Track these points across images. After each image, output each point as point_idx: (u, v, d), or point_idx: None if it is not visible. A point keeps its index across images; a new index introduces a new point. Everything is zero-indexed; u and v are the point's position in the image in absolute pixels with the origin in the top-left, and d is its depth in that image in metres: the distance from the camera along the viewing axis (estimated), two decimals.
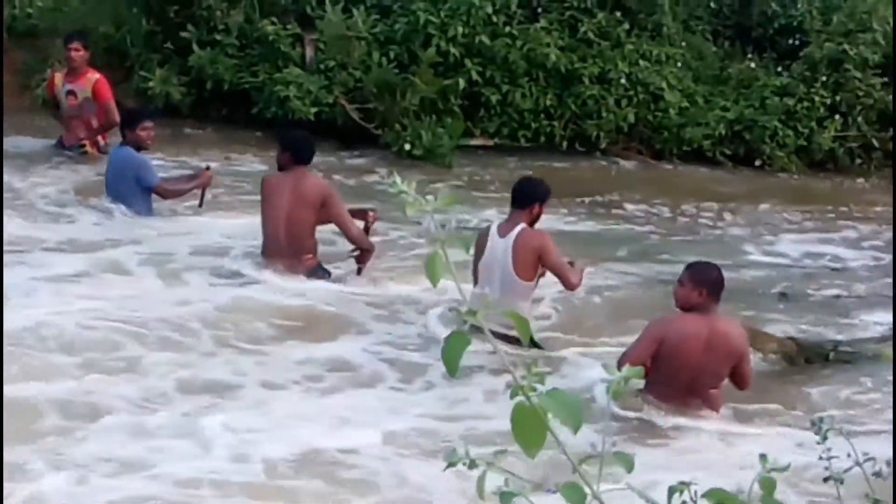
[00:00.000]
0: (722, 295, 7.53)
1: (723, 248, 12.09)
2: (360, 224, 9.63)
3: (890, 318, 9.23)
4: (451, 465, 2.09)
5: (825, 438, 2.60)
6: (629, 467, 2.10)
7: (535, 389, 1.92)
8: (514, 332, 8.29)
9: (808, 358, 8.83)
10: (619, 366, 7.32)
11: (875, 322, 9.68)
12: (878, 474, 2.38)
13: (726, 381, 7.60)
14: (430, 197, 2.03)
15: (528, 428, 1.90)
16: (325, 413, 7.36)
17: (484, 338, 2.08)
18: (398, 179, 2.05)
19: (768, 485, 2.05)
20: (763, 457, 2.17)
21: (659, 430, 7.36)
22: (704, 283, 7.45)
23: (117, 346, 7.91)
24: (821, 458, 2.57)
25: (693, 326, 7.40)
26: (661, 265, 11.22)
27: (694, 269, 7.61)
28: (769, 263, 11.97)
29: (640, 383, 7.41)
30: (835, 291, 10.80)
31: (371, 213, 9.77)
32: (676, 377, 7.37)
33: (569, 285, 8.55)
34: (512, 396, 1.93)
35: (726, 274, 7.77)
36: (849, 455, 2.51)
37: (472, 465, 2.09)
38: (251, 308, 8.79)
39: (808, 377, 8.60)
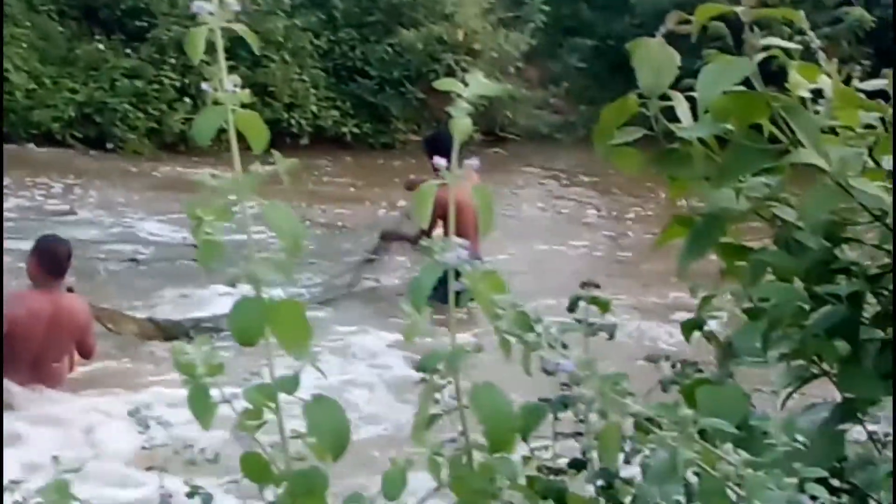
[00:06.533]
0: (66, 269, 7.33)
1: (75, 227, 11.86)
2: None
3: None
4: None
5: (146, 427, 2.53)
6: None
7: None
8: None
9: (169, 337, 8.81)
10: None
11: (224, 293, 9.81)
12: (192, 462, 2.32)
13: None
14: None
15: None
16: None
17: None
18: None
19: (61, 487, 1.90)
20: (55, 458, 2.02)
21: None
22: (36, 256, 7.25)
23: None
24: (143, 447, 2.51)
25: (38, 303, 7.19)
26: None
27: (40, 243, 7.37)
28: (123, 240, 11.88)
29: None
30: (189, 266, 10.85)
31: None
32: (22, 356, 7.11)
33: None
34: None
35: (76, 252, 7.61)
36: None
37: None
38: None
39: (163, 356, 8.54)
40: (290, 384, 1.44)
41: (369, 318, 9.15)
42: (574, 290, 2.28)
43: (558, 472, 2.06)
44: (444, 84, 1.54)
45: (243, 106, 1.52)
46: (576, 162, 17.36)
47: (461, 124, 1.51)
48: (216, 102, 1.49)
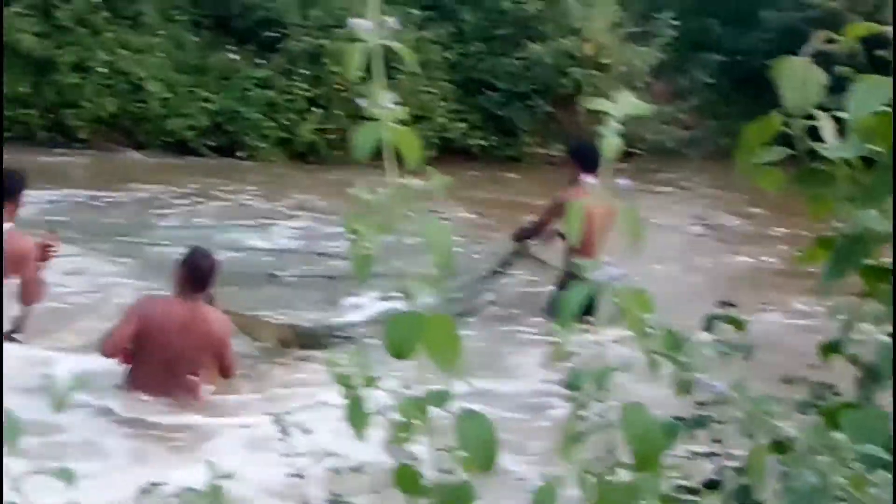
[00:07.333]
0: (210, 284, 7.42)
1: (212, 234, 12.09)
2: None
3: (376, 298, 9.52)
4: None
5: (287, 435, 2.56)
6: (70, 481, 1.91)
7: None
8: None
9: (305, 344, 8.86)
10: (102, 345, 7.17)
11: (360, 304, 9.88)
12: (336, 471, 2.36)
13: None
14: None
15: None
16: None
17: None
18: None
19: (216, 491, 1.94)
20: (210, 463, 2.06)
21: (131, 426, 7.14)
22: (183, 268, 7.38)
23: None
24: (284, 455, 2.53)
25: (174, 308, 7.30)
26: (158, 249, 11.08)
27: (187, 255, 7.52)
28: (260, 249, 12.06)
29: (116, 376, 7.24)
30: (322, 274, 10.96)
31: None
32: (154, 358, 7.22)
33: (33, 298, 8.12)
34: None
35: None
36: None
37: None
38: None
39: (301, 365, 8.59)
40: (441, 398, 1.46)
41: (503, 330, 9.13)
42: (709, 308, 2.27)
43: (693, 491, 2.06)
44: (594, 104, 1.55)
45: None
46: (704, 177, 17.22)
47: (611, 143, 1.52)
48: (373, 118, 1.51)
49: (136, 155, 16.58)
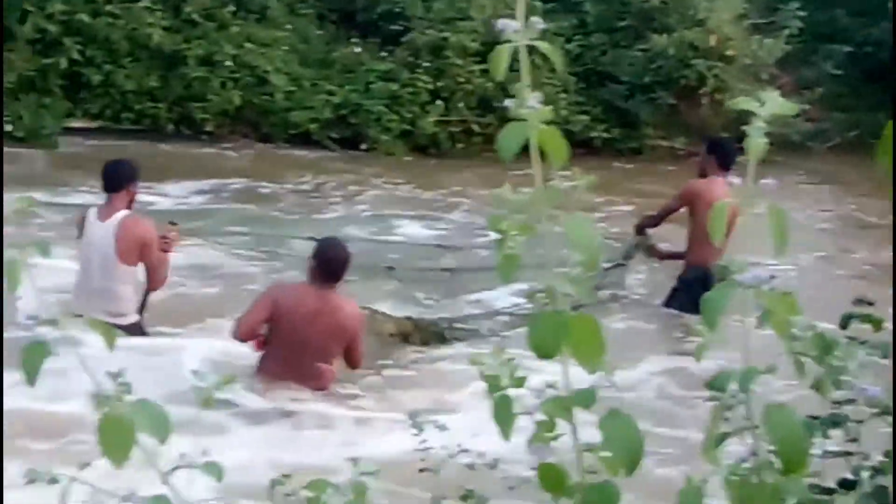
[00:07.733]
0: (342, 276, 7.45)
1: (332, 226, 12.18)
2: None
3: (495, 293, 9.50)
4: (31, 481, 1.90)
5: (421, 430, 2.57)
6: (218, 477, 1.95)
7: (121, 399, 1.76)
8: (120, 320, 7.80)
9: (425, 338, 8.87)
10: (235, 328, 7.26)
11: (482, 299, 9.88)
12: (471, 467, 2.36)
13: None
14: None
15: (115, 439, 1.73)
16: None
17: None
18: None
19: (359, 490, 1.97)
20: (354, 461, 2.06)
21: (263, 416, 7.20)
22: (315, 259, 7.42)
23: None
24: (416, 449, 2.55)
25: (306, 296, 7.32)
26: (274, 243, 11.21)
27: (319, 246, 7.58)
28: (379, 242, 12.11)
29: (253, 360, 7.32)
30: (444, 267, 10.96)
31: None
32: (284, 344, 7.25)
33: (155, 283, 8.23)
34: (99, 407, 1.76)
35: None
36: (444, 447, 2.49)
37: (54, 480, 1.90)
38: None
39: (422, 358, 8.60)
40: (587, 398, 1.46)
41: (631, 327, 9.06)
42: (846, 306, 2.23)
43: (828, 491, 2.03)
44: (740, 103, 1.54)
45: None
46: (832, 170, 16.93)
47: (757, 144, 1.51)
48: (518, 119, 1.52)
49: (264, 147, 16.79)
